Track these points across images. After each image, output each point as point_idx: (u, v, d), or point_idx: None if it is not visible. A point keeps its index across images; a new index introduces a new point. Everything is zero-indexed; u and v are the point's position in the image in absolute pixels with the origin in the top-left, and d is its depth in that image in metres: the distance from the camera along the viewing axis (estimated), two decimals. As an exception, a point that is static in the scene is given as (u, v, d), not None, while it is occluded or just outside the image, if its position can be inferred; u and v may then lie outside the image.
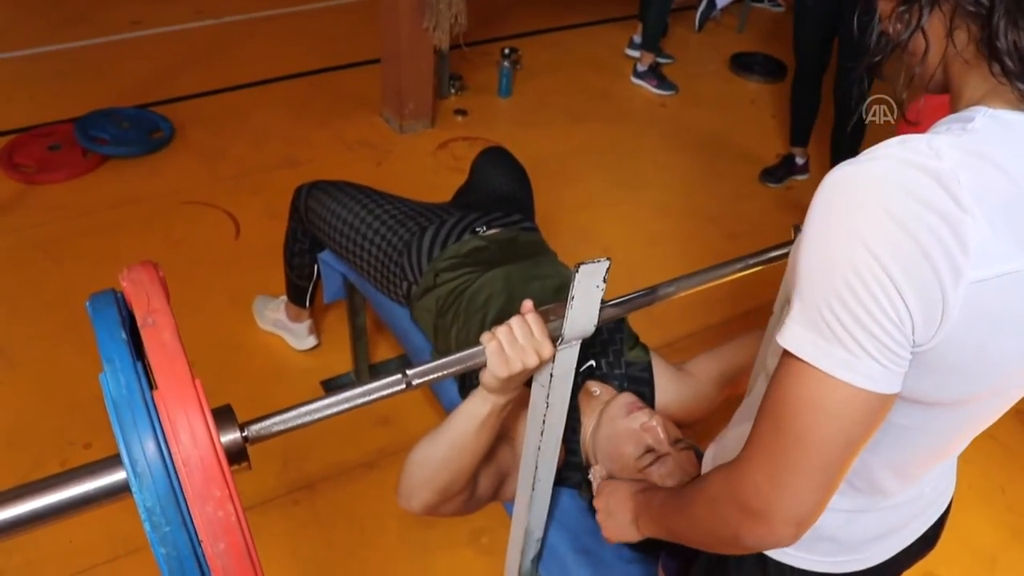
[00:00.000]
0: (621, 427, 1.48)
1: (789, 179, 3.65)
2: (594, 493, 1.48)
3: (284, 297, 2.46)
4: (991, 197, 0.68)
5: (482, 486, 1.42)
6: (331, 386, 2.41)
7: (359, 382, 1.02)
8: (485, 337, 1.12)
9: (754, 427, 0.80)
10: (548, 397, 1.20)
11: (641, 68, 4.28)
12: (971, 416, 0.87)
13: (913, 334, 0.70)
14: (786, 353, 0.75)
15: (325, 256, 2.18)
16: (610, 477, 1.46)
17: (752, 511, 0.79)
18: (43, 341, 2.47)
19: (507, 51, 4.07)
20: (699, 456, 1.44)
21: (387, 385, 1.03)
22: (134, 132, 3.41)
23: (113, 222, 2.99)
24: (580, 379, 1.61)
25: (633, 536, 1.18)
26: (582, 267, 1.05)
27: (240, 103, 3.80)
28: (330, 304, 2.38)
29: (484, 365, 1.12)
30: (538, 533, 1.46)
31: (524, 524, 1.41)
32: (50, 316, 2.54)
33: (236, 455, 0.87)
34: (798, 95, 3.44)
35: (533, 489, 1.33)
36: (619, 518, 1.20)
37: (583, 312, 1.12)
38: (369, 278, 1.98)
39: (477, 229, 1.90)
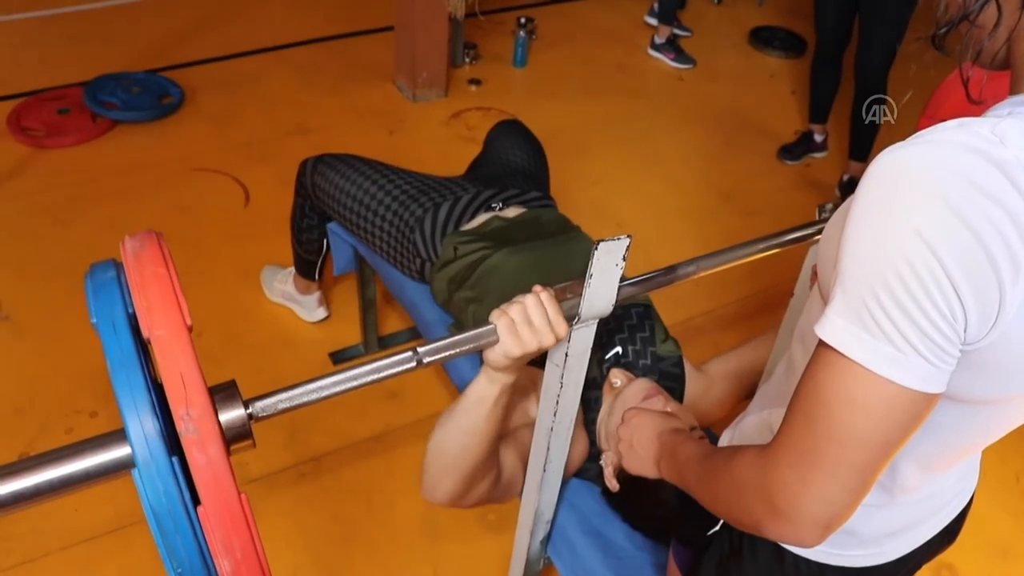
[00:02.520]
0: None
1: (807, 156, 3.59)
2: (603, 465, 1.46)
3: (293, 268, 2.43)
4: None
5: (509, 470, 1.37)
6: (340, 358, 2.38)
7: (368, 356, 0.99)
8: (495, 315, 1.07)
9: (785, 420, 0.76)
10: (563, 377, 1.17)
11: (659, 41, 4.21)
12: (1008, 414, 0.83)
13: (965, 331, 0.66)
14: (823, 345, 0.70)
15: (334, 227, 2.14)
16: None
17: (778, 508, 0.75)
18: (50, 308, 2.45)
19: (523, 20, 4.01)
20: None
21: (397, 363, 1.00)
22: (144, 97, 3.37)
23: (122, 188, 2.96)
24: (606, 368, 1.57)
25: (652, 473, 1.14)
26: (601, 244, 1.01)
27: (251, 69, 3.75)
28: (340, 275, 2.35)
29: (496, 343, 1.08)
30: (548, 515, 1.44)
31: (534, 506, 1.38)
32: (57, 282, 2.52)
33: (240, 434, 0.84)
34: (818, 71, 3.37)
35: (544, 471, 1.30)
36: (641, 454, 1.16)
37: (601, 291, 1.08)
38: (382, 254, 1.94)
39: (493, 206, 1.86)
